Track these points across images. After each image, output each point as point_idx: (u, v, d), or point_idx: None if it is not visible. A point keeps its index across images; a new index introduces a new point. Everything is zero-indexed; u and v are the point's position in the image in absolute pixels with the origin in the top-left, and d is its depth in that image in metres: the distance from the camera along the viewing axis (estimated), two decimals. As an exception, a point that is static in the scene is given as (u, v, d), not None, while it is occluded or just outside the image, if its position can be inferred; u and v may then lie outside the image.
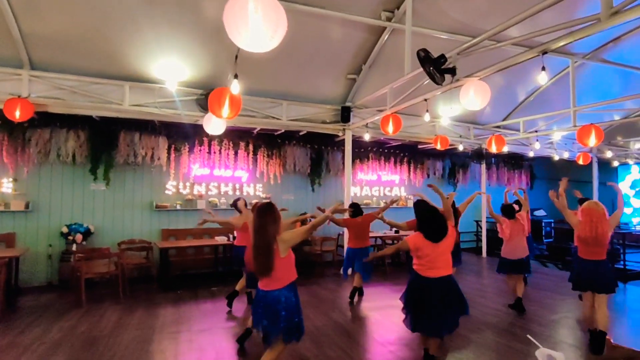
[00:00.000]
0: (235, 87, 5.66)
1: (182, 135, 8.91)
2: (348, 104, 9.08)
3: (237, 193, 9.63)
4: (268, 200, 3.96)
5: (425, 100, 7.02)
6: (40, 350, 4.79)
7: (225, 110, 5.71)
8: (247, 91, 8.30)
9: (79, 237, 7.88)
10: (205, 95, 7.76)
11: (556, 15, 6.02)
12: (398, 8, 7.19)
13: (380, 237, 9.97)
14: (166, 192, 9.02)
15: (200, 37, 7.08)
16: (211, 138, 9.13)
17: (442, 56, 5.74)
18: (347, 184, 9.14)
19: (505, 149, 11.19)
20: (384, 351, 4.93)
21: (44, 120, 7.73)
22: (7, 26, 6.19)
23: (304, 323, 3.69)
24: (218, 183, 9.49)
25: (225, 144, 9.24)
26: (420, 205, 5.10)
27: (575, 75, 8.80)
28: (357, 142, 10.30)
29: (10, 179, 7.84)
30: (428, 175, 12.00)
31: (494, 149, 9.11)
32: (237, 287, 6.57)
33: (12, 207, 7.78)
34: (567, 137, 12.02)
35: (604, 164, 13.51)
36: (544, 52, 5.18)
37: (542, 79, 5.63)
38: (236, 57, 6.04)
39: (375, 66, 8.35)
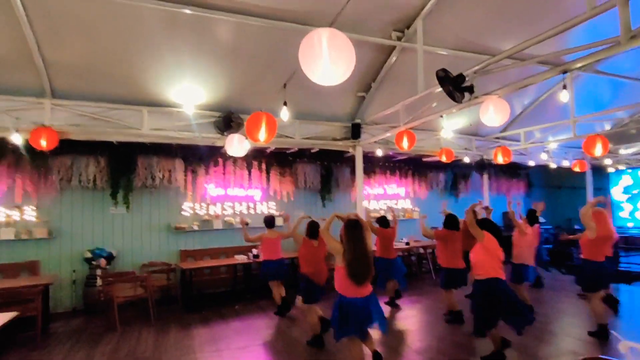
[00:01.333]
0: (285, 113, 6.01)
1: (198, 157, 9.04)
2: (357, 120, 9.32)
3: (252, 212, 9.76)
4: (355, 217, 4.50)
5: (442, 116, 7.31)
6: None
7: (262, 134, 5.89)
8: (256, 110, 8.50)
9: (102, 261, 7.92)
10: (222, 118, 7.96)
11: (573, 34, 6.32)
12: (408, 28, 7.45)
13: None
14: (183, 213, 9.11)
15: (216, 62, 7.23)
16: (226, 158, 9.29)
17: (461, 75, 6.03)
18: (359, 197, 9.33)
19: (501, 159, 11.60)
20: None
21: (65, 147, 7.80)
22: (30, 55, 6.28)
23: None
24: (233, 202, 9.61)
25: (240, 164, 9.41)
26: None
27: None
28: (364, 158, 10.56)
29: (33, 207, 7.89)
30: (431, 187, 12.27)
31: (500, 160, 9.43)
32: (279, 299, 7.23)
33: (35, 235, 7.78)
34: (563, 145, 12.45)
35: (598, 171, 13.96)
36: (565, 72, 5.50)
37: (564, 96, 5.93)
38: (285, 85, 6.34)
39: (384, 84, 8.62)
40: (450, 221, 6.90)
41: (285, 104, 6.31)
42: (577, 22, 4.91)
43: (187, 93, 7.74)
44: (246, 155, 8.97)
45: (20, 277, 7.39)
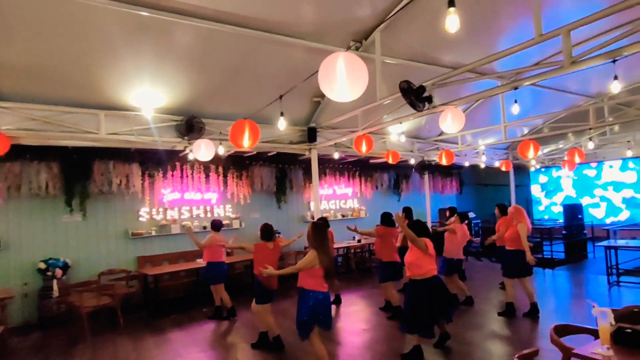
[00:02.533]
0: (282, 123, 6.75)
1: (156, 162, 8.80)
2: (312, 124, 9.61)
3: (209, 215, 9.65)
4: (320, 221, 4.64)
5: (401, 122, 7.81)
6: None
7: (246, 140, 5.97)
8: (219, 115, 8.53)
9: (58, 272, 7.46)
10: (184, 122, 7.87)
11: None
12: (366, 39, 7.86)
13: (345, 247, 10.64)
14: (140, 219, 8.81)
15: (178, 66, 7.07)
16: (183, 163, 9.15)
17: (422, 87, 6.56)
18: (316, 198, 9.60)
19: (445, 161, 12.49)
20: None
21: (12, 152, 7.27)
22: None
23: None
24: (190, 207, 9.46)
25: (197, 168, 9.31)
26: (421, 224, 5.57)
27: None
28: (310, 160, 10.88)
29: (-24, 217, 7.29)
30: (377, 187, 12.86)
31: (444, 162, 10.18)
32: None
33: (-20, 246, 7.22)
34: (490, 147, 13.62)
35: (519, 169, 15.40)
36: (516, 88, 6.22)
37: (515, 109, 6.66)
38: (281, 97, 6.76)
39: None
40: (386, 219, 7.31)
41: (282, 114, 6.70)
42: (526, 46, 5.59)
43: (146, 96, 7.52)
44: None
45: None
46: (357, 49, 7.93)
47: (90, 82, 6.95)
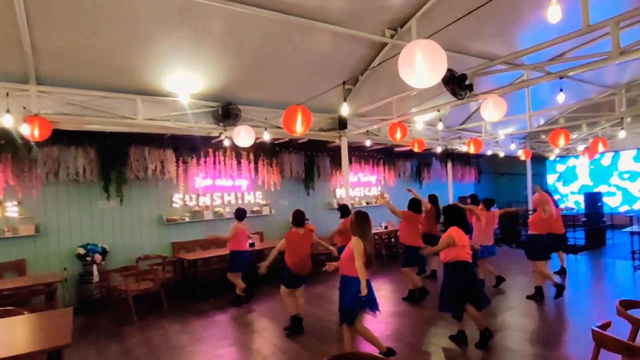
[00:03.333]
0: (345, 109, 6.50)
1: (189, 148, 8.69)
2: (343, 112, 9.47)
3: (239, 202, 9.56)
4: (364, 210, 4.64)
5: (438, 110, 7.70)
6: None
7: (299, 126, 5.86)
8: (252, 102, 8.40)
9: (98, 257, 7.38)
10: (221, 108, 7.74)
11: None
12: (402, 27, 7.73)
13: (374, 234, 10.57)
14: (174, 205, 8.70)
15: (214, 51, 6.93)
16: (216, 149, 9.03)
17: (464, 75, 6.47)
18: (346, 185, 9.52)
19: (465, 149, 12.39)
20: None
21: (50, 138, 7.12)
22: (19, 39, 5.68)
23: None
24: (221, 193, 9.35)
25: (229, 155, 9.18)
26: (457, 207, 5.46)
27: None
28: (337, 148, 10.73)
29: (16, 203, 7.14)
30: (399, 175, 12.76)
31: (472, 150, 10.08)
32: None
33: (20, 232, 7.04)
34: (510, 136, 13.52)
35: (536, 158, 15.29)
36: (562, 77, 6.11)
37: (561, 98, 6.56)
38: (344, 83, 6.90)
39: (369, 78, 8.84)
40: (414, 205, 7.26)
41: (345, 99, 6.72)
42: (574, 37, 5.49)
43: (183, 82, 7.37)
44: (235, 146, 8.83)
45: (5, 278, 6.70)
46: (392, 36, 7.79)
47: (127, 67, 6.81)
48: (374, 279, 8.24)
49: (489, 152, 12.62)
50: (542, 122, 13.54)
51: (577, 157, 14.71)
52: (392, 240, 11.43)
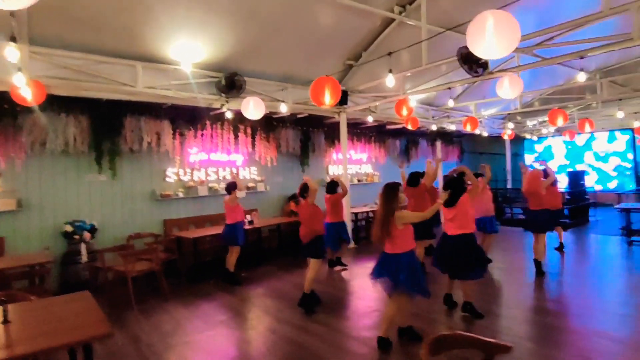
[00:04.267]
0: (391, 80, 6.26)
1: (187, 120, 8.04)
2: (343, 88, 9.08)
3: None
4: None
5: (449, 88, 7.48)
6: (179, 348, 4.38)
7: (327, 97, 5.44)
8: (256, 74, 7.86)
9: (87, 235, 6.74)
10: (225, 78, 7.17)
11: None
12: (410, 4, 7.36)
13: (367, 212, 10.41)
14: (167, 180, 8.05)
15: (221, 18, 6.38)
16: (214, 122, 8.42)
17: None
18: (344, 162, 9.25)
19: (453, 127, 12.35)
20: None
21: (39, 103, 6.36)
22: None
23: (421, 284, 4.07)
24: (216, 168, 8.74)
25: (227, 128, 8.60)
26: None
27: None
28: (333, 125, 10.40)
29: (-6, 174, 6.36)
30: (388, 153, 12.57)
31: (468, 129, 9.98)
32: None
33: (-1, 207, 6.32)
34: (492, 116, 13.62)
35: (515, 139, 15.49)
36: (582, 57, 6.01)
37: (581, 77, 6.47)
38: (390, 54, 6.63)
39: (372, 55, 8.45)
40: (412, 179, 6.94)
41: (390, 71, 6.42)
42: (594, 19, 5.37)
43: (186, 50, 6.75)
44: (233, 119, 8.30)
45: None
46: (400, 13, 7.42)
47: (129, 30, 6.13)
48: (364, 260, 8.19)
49: (478, 132, 12.61)
50: (518, 104, 13.67)
51: (560, 136, 15.05)
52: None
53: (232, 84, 7.13)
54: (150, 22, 6.07)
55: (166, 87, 6.86)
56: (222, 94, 7.30)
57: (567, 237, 9.59)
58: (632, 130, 13.67)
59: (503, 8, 5.53)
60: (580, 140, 14.24)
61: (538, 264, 6.75)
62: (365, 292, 6.19)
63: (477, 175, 7.69)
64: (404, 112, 7.91)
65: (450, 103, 8.59)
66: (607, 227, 10.94)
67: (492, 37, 3.47)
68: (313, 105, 8.82)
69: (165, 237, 7.74)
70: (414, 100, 10.52)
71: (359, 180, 11.76)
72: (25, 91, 5.15)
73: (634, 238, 9.06)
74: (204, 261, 7.87)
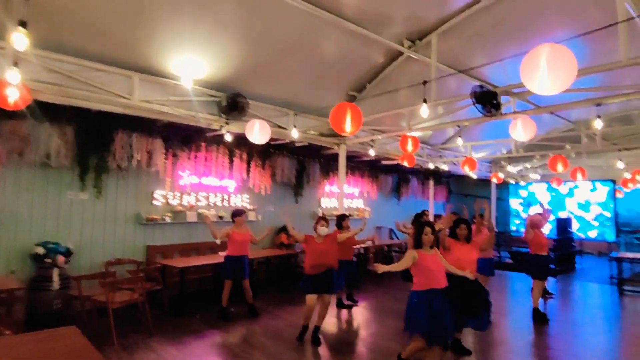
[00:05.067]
0: (425, 110, 5.90)
1: (181, 139, 7.46)
2: (344, 118, 8.74)
3: (225, 204, 8.40)
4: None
5: (458, 127, 7.24)
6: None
7: (348, 125, 5.04)
8: (259, 97, 7.44)
9: (60, 259, 5.94)
10: (228, 98, 6.72)
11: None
12: (421, 39, 7.21)
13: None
14: (154, 202, 7.39)
15: (230, 35, 6.03)
16: (209, 144, 7.87)
17: (495, 93, 6.09)
18: (341, 195, 8.80)
19: (446, 167, 12.16)
20: None
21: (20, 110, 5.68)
22: None
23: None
24: (207, 193, 8.09)
25: (222, 151, 8.05)
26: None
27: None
28: (329, 156, 10.03)
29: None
30: (380, 189, 12.20)
31: (466, 169, 9.78)
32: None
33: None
34: (480, 159, 13.54)
35: (500, 184, 15.47)
36: (599, 104, 5.90)
37: (598, 124, 6.35)
38: (424, 83, 6.19)
39: (376, 88, 8.24)
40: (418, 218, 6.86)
41: (425, 101, 5.99)
42: (612, 68, 5.23)
43: (188, 65, 6.29)
44: (230, 143, 7.80)
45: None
46: (409, 47, 7.26)
47: (128, 38, 5.66)
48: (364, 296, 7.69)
49: (471, 174, 12.43)
50: (504, 150, 13.71)
51: (543, 182, 15.13)
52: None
53: (234, 105, 6.67)
54: (153, 32, 5.65)
55: (163, 102, 6.34)
56: (223, 115, 6.83)
57: (554, 284, 9.39)
58: (613, 181, 13.90)
59: (514, 56, 5.46)
60: (563, 188, 14.29)
61: (537, 311, 6.58)
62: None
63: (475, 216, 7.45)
64: (410, 147, 7.58)
65: (459, 142, 8.38)
66: (594, 275, 10.81)
67: (546, 72, 3.28)
68: (313, 133, 8.50)
69: (148, 264, 6.99)
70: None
71: (350, 215, 11.25)
72: (12, 92, 4.54)
73: (625, 287, 8.92)
74: (189, 292, 7.09)
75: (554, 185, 12.74)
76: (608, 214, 14.20)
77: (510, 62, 7.49)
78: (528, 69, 3.37)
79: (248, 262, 6.51)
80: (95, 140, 6.36)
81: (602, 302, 8.30)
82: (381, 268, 3.73)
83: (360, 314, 6.99)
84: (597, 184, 14.45)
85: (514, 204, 16.22)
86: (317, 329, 5.28)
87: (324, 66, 7.38)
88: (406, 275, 6.56)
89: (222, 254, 7.04)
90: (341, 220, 6.93)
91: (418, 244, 4.05)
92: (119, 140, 6.53)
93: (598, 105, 5.96)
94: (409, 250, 4.07)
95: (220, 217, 8.15)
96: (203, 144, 7.74)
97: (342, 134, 5.47)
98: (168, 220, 7.45)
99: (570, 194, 15.07)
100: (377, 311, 7.22)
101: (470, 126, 11.13)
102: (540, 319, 6.51)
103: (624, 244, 13.39)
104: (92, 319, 5.43)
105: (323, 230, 5.45)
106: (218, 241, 6.23)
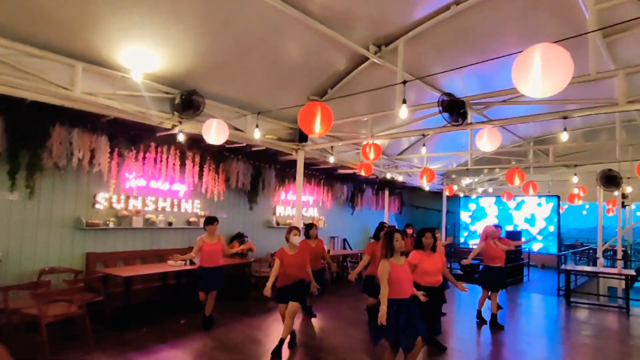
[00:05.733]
0: (404, 112, 5.59)
1: (128, 138, 6.89)
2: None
3: (175, 210, 7.83)
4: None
5: (424, 135, 7.18)
6: None
7: (317, 126, 4.76)
8: (215, 96, 7.04)
9: (-17, 266, 5.27)
10: (183, 96, 6.28)
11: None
12: (387, 45, 7.15)
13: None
14: (96, 206, 6.74)
15: (187, 25, 5.60)
16: (159, 144, 7.32)
17: (462, 102, 6.10)
18: (298, 203, 8.45)
19: (401, 178, 12.19)
20: None
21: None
22: None
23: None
24: (155, 197, 7.53)
25: (173, 153, 7.52)
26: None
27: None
28: (285, 162, 9.74)
29: None
30: (335, 198, 12.00)
31: (424, 181, 9.79)
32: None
33: None
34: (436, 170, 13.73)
35: (451, 196, 15.76)
36: (565, 117, 6.01)
37: (564, 137, 6.47)
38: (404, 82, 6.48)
39: (339, 93, 8.07)
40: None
41: (404, 101, 5.71)
42: (580, 81, 5.34)
43: (138, 56, 5.82)
44: (182, 144, 7.33)
45: None
46: (375, 53, 7.18)
47: (71, 22, 5.10)
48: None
49: (425, 186, 12.56)
50: (454, 164, 14.03)
51: (491, 196, 15.60)
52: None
53: (189, 103, 6.23)
54: (102, 18, 5.11)
55: (110, 96, 5.80)
56: (176, 113, 6.36)
57: (503, 295, 9.59)
58: (557, 197, 14.58)
59: (484, 62, 5.50)
60: (512, 202, 14.80)
61: (495, 317, 6.86)
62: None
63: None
64: (372, 154, 7.46)
65: (423, 150, 8.39)
66: (542, 287, 11.18)
67: (539, 73, 3.16)
68: (272, 138, 8.18)
69: (88, 273, 6.33)
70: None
71: (303, 224, 10.97)
72: None
73: (572, 299, 9.21)
74: (135, 304, 6.47)
75: (504, 199, 13.12)
76: (552, 228, 14.83)
77: (471, 74, 7.75)
78: (521, 69, 3.22)
79: (222, 275, 6.25)
80: (29, 134, 5.69)
81: (550, 312, 8.53)
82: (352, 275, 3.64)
83: (320, 325, 6.67)
84: (542, 200, 15.07)
85: (464, 216, 16.61)
86: (282, 341, 4.94)
87: (286, 67, 7.11)
88: (367, 288, 6.43)
89: (172, 262, 6.60)
90: (309, 229, 6.82)
91: (390, 253, 3.88)
92: (57, 135, 5.89)
93: (565, 118, 6.07)
94: (382, 261, 3.91)
95: (170, 224, 7.60)
96: (152, 144, 7.19)
97: (310, 135, 5.19)
98: (111, 225, 6.82)
99: (518, 207, 15.62)
100: (337, 321, 6.94)
101: (428, 137, 11.35)
102: (496, 326, 6.79)
103: (566, 257, 14.03)
104: (22, 334, 4.79)
105: (296, 239, 5.31)
106: (196, 260, 6.17)
